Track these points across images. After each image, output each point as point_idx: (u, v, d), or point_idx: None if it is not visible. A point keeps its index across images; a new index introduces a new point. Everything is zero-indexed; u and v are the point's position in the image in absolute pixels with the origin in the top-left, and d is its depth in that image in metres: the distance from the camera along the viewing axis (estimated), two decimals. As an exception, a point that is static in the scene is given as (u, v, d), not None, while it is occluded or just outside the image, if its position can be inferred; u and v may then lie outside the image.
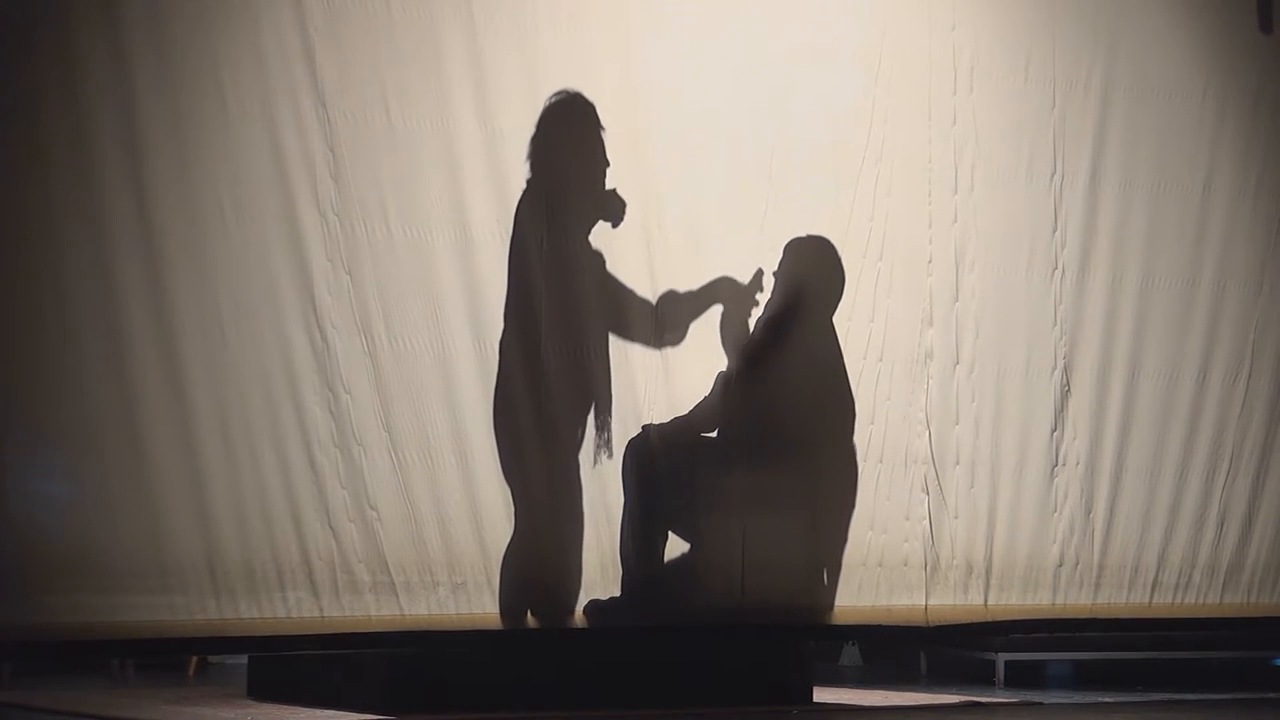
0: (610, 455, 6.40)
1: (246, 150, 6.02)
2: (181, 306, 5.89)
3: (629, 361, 6.51)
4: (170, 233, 5.89)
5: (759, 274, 6.63)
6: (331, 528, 6.05)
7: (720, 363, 6.63)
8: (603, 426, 6.39)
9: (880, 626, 6.87)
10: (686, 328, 6.57)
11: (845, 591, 6.76)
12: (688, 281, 6.60)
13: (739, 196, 6.71)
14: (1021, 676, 8.04)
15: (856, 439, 6.79)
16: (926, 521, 6.91)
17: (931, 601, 6.90)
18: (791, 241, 6.74)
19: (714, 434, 6.64)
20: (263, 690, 6.55)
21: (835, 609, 6.75)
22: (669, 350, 6.56)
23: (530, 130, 6.37)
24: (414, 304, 6.20)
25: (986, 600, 7.00)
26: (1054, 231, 7.20)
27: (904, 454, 6.89)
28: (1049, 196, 7.20)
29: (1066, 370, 7.18)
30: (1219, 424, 7.43)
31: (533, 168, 6.33)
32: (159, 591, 5.83)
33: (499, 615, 6.23)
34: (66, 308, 5.78)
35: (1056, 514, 7.13)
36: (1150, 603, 7.28)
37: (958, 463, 6.98)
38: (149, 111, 5.88)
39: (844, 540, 6.76)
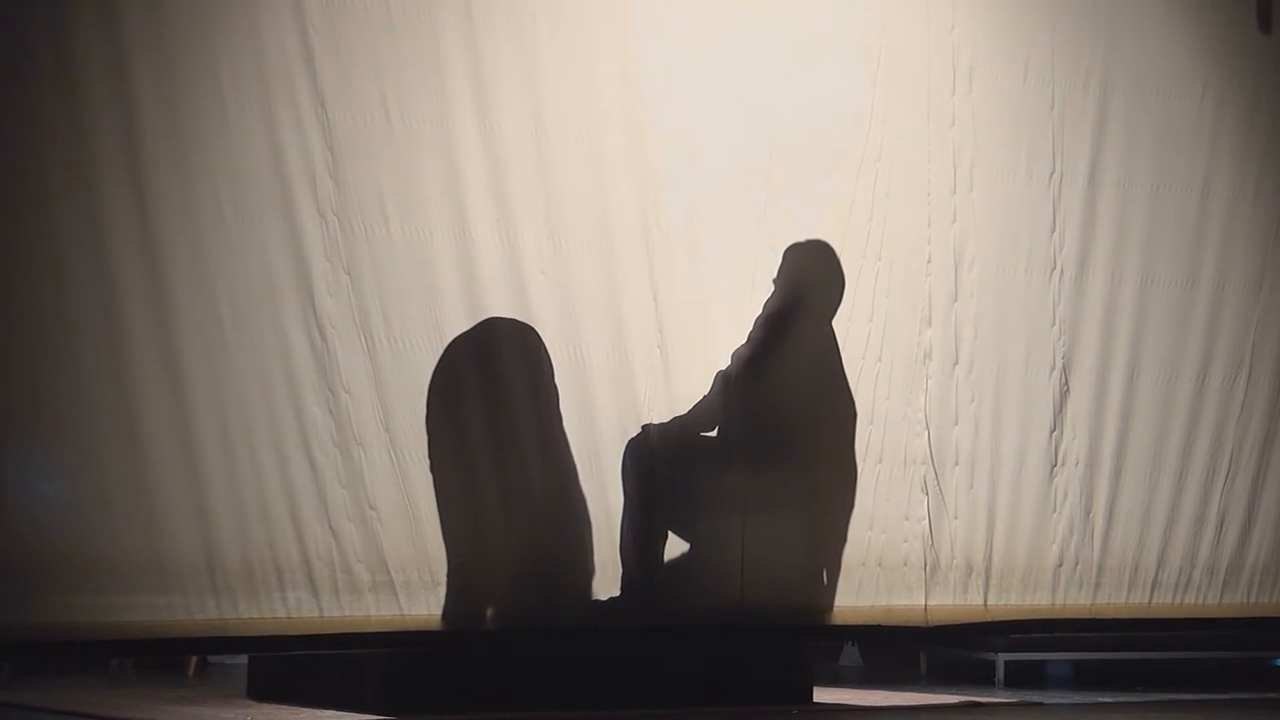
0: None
1: (246, 150, 6.02)
2: (181, 306, 5.89)
3: (629, 361, 6.51)
4: (170, 232, 5.90)
5: None
6: (331, 527, 6.05)
7: (720, 362, 6.63)
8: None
9: (880, 626, 6.87)
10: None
11: (845, 591, 6.76)
12: (687, 281, 6.60)
13: (738, 196, 6.72)
14: (1021, 676, 8.04)
15: (856, 439, 6.79)
16: (926, 521, 6.91)
17: (931, 601, 6.91)
18: (792, 245, 6.74)
19: (714, 434, 6.64)
20: (262, 690, 6.55)
21: (835, 609, 6.74)
22: (669, 350, 6.56)
23: (530, 131, 6.38)
24: (414, 304, 6.21)
25: (986, 600, 7.00)
26: (1053, 231, 7.21)
27: (903, 454, 6.89)
28: (1048, 196, 7.21)
29: (1065, 370, 7.19)
30: (1218, 424, 7.43)
31: None
32: (158, 591, 5.82)
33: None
34: (66, 308, 5.78)
35: (1056, 514, 7.14)
36: (1150, 603, 7.28)
37: (957, 463, 6.98)
38: (149, 111, 5.88)
39: (843, 540, 6.76)
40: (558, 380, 6.39)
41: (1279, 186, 7.60)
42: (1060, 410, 7.17)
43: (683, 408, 6.56)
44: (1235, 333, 7.50)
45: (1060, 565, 7.13)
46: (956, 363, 7.02)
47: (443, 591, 6.18)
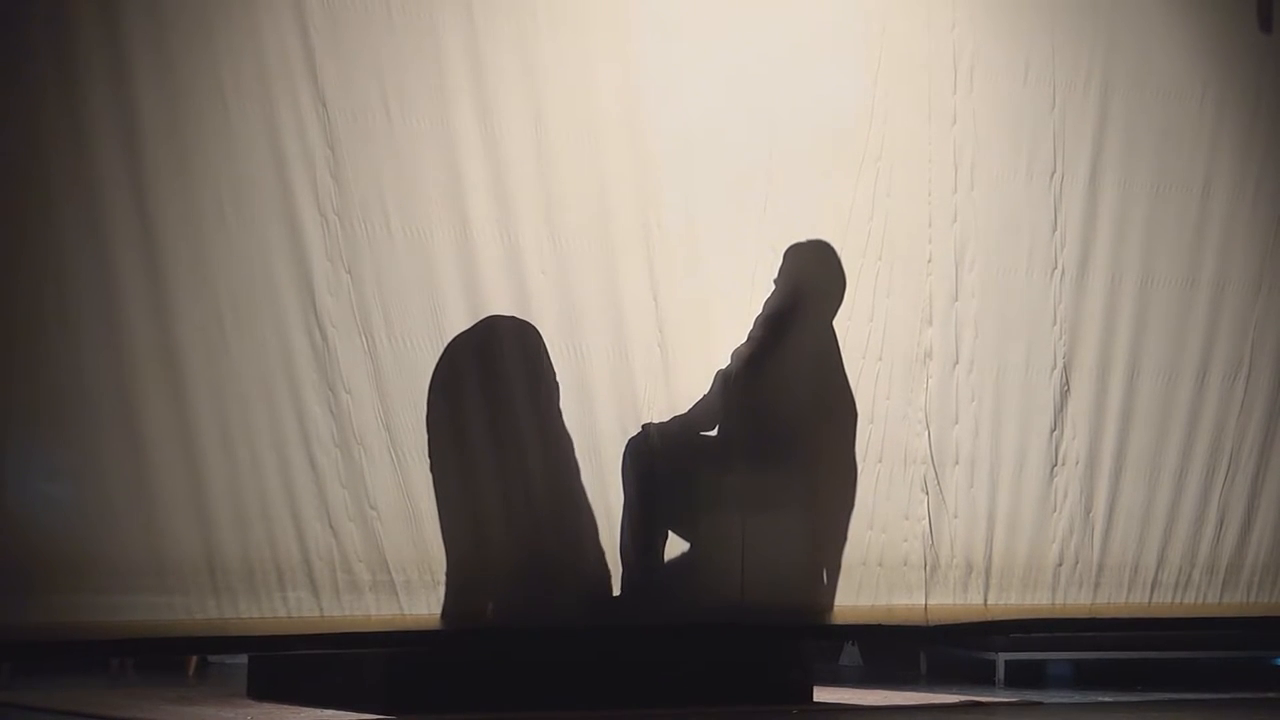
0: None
1: (246, 150, 6.02)
2: (181, 306, 5.89)
3: (629, 361, 6.51)
4: (170, 233, 5.89)
5: None
6: (331, 527, 6.05)
7: (720, 362, 6.64)
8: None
9: (880, 626, 6.87)
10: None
11: (845, 591, 6.76)
12: (687, 281, 6.60)
13: (738, 196, 6.72)
14: (1021, 676, 8.05)
15: (856, 439, 6.79)
16: (926, 521, 6.91)
17: (931, 601, 6.91)
18: (792, 246, 6.75)
19: (714, 433, 6.64)
20: (263, 690, 6.55)
21: (835, 609, 6.75)
22: (669, 350, 6.56)
23: (530, 131, 6.39)
24: (414, 303, 6.21)
25: (986, 600, 7.00)
26: (1053, 231, 7.21)
27: (903, 453, 6.89)
28: (1048, 196, 7.21)
29: (1066, 370, 7.19)
30: (1218, 424, 7.43)
31: None
32: (159, 591, 5.82)
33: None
34: (66, 308, 5.78)
35: (1056, 513, 7.14)
36: (1150, 602, 7.28)
37: (957, 462, 6.98)
38: (149, 111, 5.88)
39: (843, 540, 6.77)
40: (558, 379, 6.40)
41: (1279, 187, 7.60)
42: (1060, 410, 7.17)
43: (683, 407, 6.57)
44: (1235, 333, 7.50)
45: (1060, 565, 7.13)
46: (957, 362, 7.02)
47: (443, 591, 6.18)
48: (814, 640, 7.35)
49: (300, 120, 6.08)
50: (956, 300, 7.03)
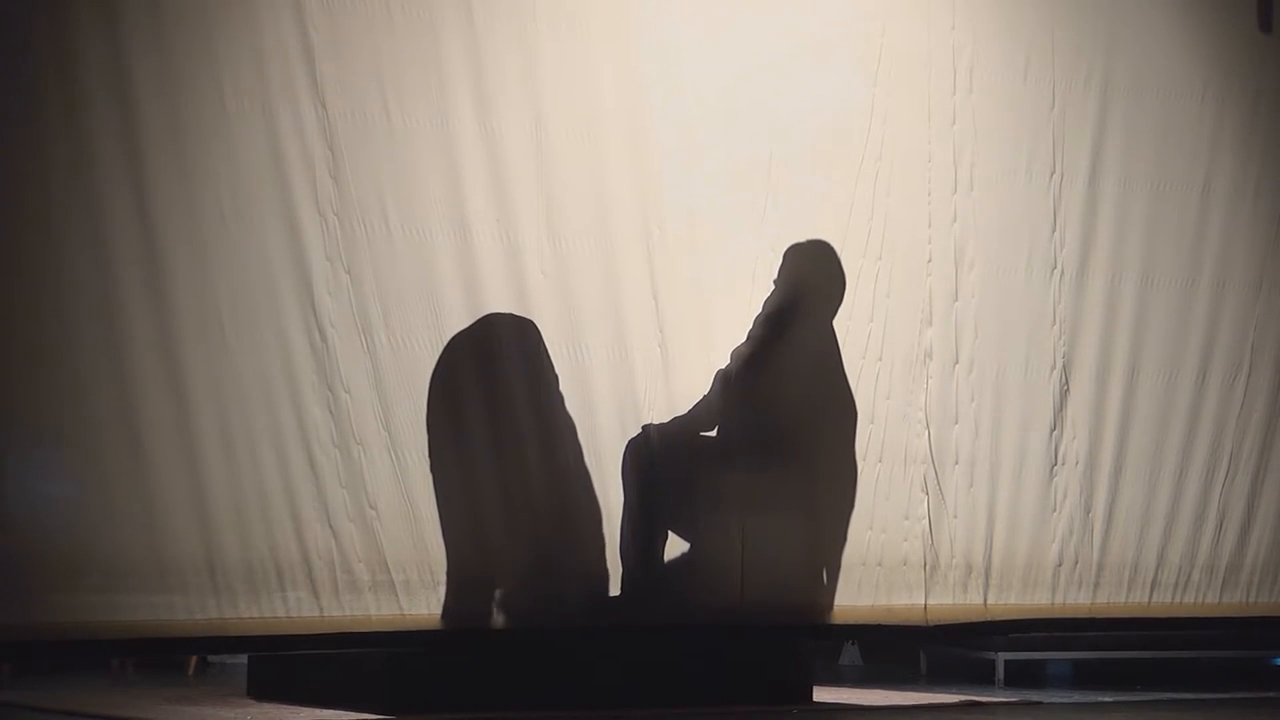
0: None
1: (246, 150, 6.02)
2: (181, 306, 5.90)
3: (629, 361, 6.51)
4: (170, 232, 5.90)
5: None
6: (331, 527, 6.05)
7: (720, 362, 6.64)
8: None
9: (880, 626, 6.87)
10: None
11: (845, 591, 6.76)
12: (687, 281, 6.60)
13: (738, 196, 6.72)
14: (1021, 676, 8.05)
15: (856, 439, 6.79)
16: (926, 521, 6.92)
17: (931, 601, 6.91)
18: (792, 246, 6.75)
19: (714, 434, 6.64)
20: (263, 690, 6.55)
21: (835, 608, 6.75)
22: (669, 350, 6.56)
23: (530, 131, 6.39)
24: (414, 304, 6.21)
25: (986, 600, 7.00)
26: (1053, 231, 7.21)
27: (903, 453, 6.89)
28: (1048, 196, 7.21)
29: (1066, 370, 7.19)
30: (1218, 424, 7.43)
31: None
32: (159, 591, 5.83)
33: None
34: (66, 308, 5.78)
35: (1056, 513, 7.14)
36: (1149, 602, 7.29)
37: (957, 462, 6.98)
38: (149, 111, 5.88)
39: (843, 540, 6.77)
40: (556, 373, 6.40)
41: (1279, 186, 7.60)
42: (1060, 410, 7.17)
43: (683, 408, 6.57)
44: (1235, 333, 7.50)
45: (1060, 565, 7.13)
46: (957, 362, 7.02)
47: (443, 591, 6.18)
48: (814, 640, 7.35)
49: (300, 120, 6.09)
50: (956, 300, 7.03)
